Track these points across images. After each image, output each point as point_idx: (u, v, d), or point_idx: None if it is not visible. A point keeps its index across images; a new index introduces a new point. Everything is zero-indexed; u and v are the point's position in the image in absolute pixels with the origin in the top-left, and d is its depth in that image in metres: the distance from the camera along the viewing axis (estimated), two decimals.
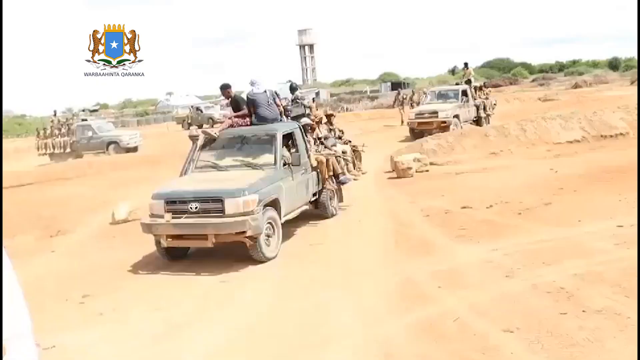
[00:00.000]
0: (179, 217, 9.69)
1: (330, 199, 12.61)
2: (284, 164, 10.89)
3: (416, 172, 17.09)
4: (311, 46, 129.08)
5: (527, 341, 5.94)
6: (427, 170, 17.43)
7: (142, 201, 15.74)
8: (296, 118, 12.92)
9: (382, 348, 6.25)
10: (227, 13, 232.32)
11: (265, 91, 11.90)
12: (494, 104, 29.96)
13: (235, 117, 12.03)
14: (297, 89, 14.87)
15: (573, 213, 10.70)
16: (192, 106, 61.98)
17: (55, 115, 38.03)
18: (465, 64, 32.04)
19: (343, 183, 12.83)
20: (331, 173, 12.34)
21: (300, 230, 11.93)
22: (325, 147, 13.06)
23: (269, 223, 9.92)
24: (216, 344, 6.93)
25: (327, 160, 12.26)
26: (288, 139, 11.58)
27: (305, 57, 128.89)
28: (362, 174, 14.59)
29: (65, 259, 11.68)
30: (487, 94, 29.44)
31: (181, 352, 6.78)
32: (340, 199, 13.36)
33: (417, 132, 26.17)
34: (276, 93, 12.39)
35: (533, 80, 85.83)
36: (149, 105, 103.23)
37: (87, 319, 8.03)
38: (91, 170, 25.71)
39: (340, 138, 14.42)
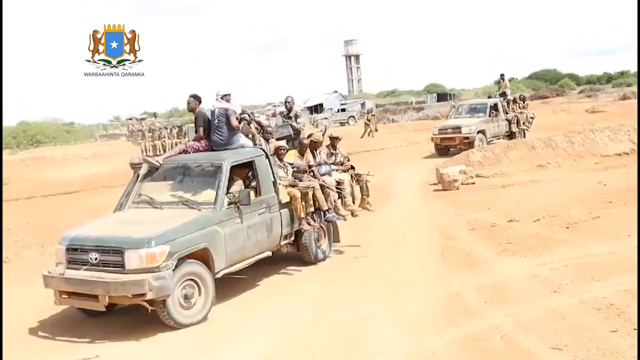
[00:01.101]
0: (78, 269, 8.08)
1: (318, 239, 10.70)
2: (231, 203, 8.96)
3: (462, 184, 16.93)
4: (357, 57, 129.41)
5: (576, 359, 5.83)
6: (473, 183, 17.25)
7: None
8: (281, 140, 11.44)
9: None
10: (273, 22, 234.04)
11: (214, 108, 9.96)
12: (532, 118, 28.61)
13: (193, 140, 10.25)
14: (294, 105, 12.79)
15: (622, 227, 10.49)
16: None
17: (155, 117, 38.82)
18: (502, 76, 30.83)
19: (328, 221, 10.82)
20: (311, 209, 10.23)
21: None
22: (313, 177, 10.67)
23: (190, 280, 8.15)
24: (258, 355, 6.93)
25: (306, 194, 10.13)
26: (247, 169, 9.71)
27: (351, 68, 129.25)
28: (370, 209, 12.18)
29: None
30: (523, 107, 28.56)
31: None
32: (336, 239, 11.31)
33: (441, 148, 25.72)
34: (250, 115, 10.71)
35: (580, 92, 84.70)
36: (170, 116, 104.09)
37: (129, 328, 8.09)
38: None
39: (342, 164, 12.01)
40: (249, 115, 10.55)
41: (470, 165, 18.53)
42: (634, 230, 10.21)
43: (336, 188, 11.02)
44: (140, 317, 8.22)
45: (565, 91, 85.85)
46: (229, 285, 9.33)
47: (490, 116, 26.16)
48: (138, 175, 9.64)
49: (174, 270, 7.88)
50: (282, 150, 10.53)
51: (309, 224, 10.17)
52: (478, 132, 24.96)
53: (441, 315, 7.50)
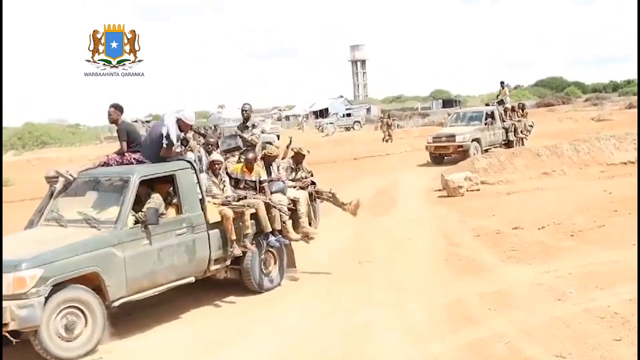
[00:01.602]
0: None
1: (265, 265, 9.59)
2: (138, 222, 8.05)
3: (467, 191, 16.92)
4: (363, 62, 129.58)
5: None
6: (478, 190, 17.24)
7: None
8: (229, 152, 10.69)
9: None
10: (281, 26, 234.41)
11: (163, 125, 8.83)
12: (530, 126, 28.25)
13: (116, 153, 9.27)
14: (251, 113, 11.72)
15: (627, 236, 10.45)
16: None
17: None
18: (502, 83, 30.05)
19: (271, 246, 9.60)
20: (248, 231, 9.13)
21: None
22: (261, 193, 9.67)
23: (73, 308, 7.27)
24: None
25: (242, 213, 9.08)
26: (170, 184, 8.71)
27: (357, 73, 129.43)
28: (309, 238, 10.37)
29: None
30: (522, 115, 28.30)
31: None
32: (290, 264, 10.31)
33: (436, 157, 25.47)
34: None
35: (586, 100, 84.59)
36: (200, 117, 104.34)
37: (136, 330, 8.10)
38: None
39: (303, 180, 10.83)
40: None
41: (476, 172, 18.52)
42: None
43: (290, 207, 10.02)
44: (143, 319, 8.25)
45: (571, 99, 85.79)
46: (229, 288, 9.35)
47: (486, 124, 25.86)
48: (53, 190, 8.79)
49: (49, 296, 7.02)
50: (217, 165, 9.50)
51: (245, 247, 9.08)
52: (473, 141, 24.66)
53: (445, 321, 7.50)
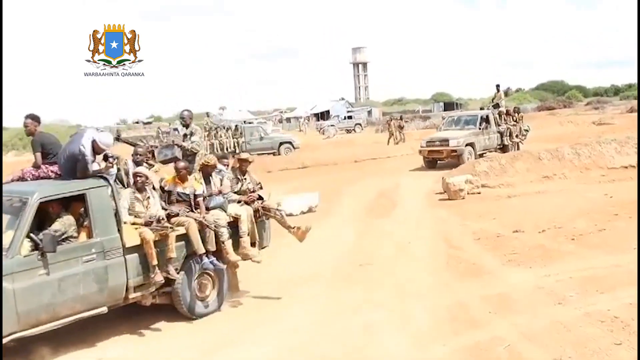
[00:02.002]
0: None
1: (200, 288, 8.67)
2: (36, 249, 7.01)
3: (468, 194, 16.92)
4: (365, 64, 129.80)
5: None
6: (479, 193, 17.24)
7: None
8: (166, 163, 9.91)
9: None
10: (282, 29, 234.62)
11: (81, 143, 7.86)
12: (526, 130, 28.23)
13: (32, 166, 8.52)
14: (190, 121, 10.56)
15: (628, 240, 10.45)
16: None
17: (208, 116, 39.49)
18: (497, 86, 29.71)
19: (205, 269, 8.63)
20: (172, 255, 8.09)
21: None
22: (194, 210, 8.70)
23: None
24: None
25: (166, 235, 8.05)
26: (78, 205, 7.73)
27: (358, 75, 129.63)
28: (253, 260, 9.22)
29: None
30: (517, 119, 28.06)
31: None
32: (233, 288, 9.44)
33: (429, 161, 25.10)
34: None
35: (587, 104, 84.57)
36: (201, 118, 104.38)
37: (134, 334, 8.11)
38: None
39: (249, 192, 9.60)
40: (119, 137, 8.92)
41: (476, 175, 18.52)
42: None
43: (231, 225, 8.93)
44: (144, 321, 8.26)
45: (572, 103, 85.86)
46: (239, 291, 9.36)
47: (480, 128, 25.54)
48: None
49: None
50: (139, 178, 8.36)
51: (168, 274, 8.03)
52: (467, 145, 24.39)
53: (446, 324, 7.51)
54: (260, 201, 9.55)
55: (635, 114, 50.91)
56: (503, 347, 6.57)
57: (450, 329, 7.34)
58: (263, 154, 33.73)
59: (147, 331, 8.15)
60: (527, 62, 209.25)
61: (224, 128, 36.23)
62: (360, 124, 66.80)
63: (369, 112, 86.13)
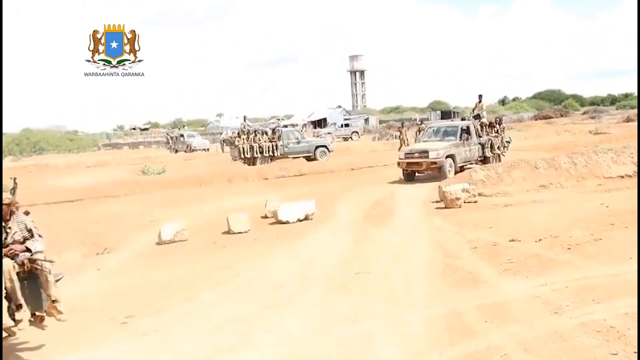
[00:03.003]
0: None
1: None
2: None
3: (464, 202, 16.94)
4: (362, 72, 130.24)
5: None
6: (475, 201, 17.25)
7: (189, 222, 15.93)
8: None
9: None
10: (280, 37, 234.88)
11: None
12: (508, 142, 27.87)
13: None
14: None
15: (624, 250, 10.43)
16: (175, 135, 63.68)
17: (245, 120, 40.20)
18: (480, 97, 29.05)
19: None
20: None
21: None
22: None
23: None
24: None
25: None
26: None
27: (355, 83, 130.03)
28: (58, 318, 7.54)
29: (110, 278, 11.84)
30: (499, 130, 27.74)
31: None
32: None
33: (409, 174, 24.47)
34: None
35: (584, 113, 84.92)
36: (199, 125, 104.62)
37: (129, 340, 8.08)
38: (139, 188, 26.11)
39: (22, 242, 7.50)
40: None
41: (473, 184, 18.54)
42: (635, 253, 10.20)
43: None
44: (145, 323, 8.23)
45: (569, 112, 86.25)
46: (229, 297, 9.34)
47: (461, 140, 25.07)
48: None
49: None
50: None
51: None
52: (447, 157, 23.82)
53: (441, 333, 7.49)
54: (27, 253, 7.39)
55: (632, 124, 51.10)
56: (499, 357, 6.55)
57: (446, 338, 7.31)
58: (299, 157, 34.76)
59: (139, 337, 8.10)
60: (525, 71, 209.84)
61: (262, 132, 36.84)
62: (357, 132, 66.93)
63: (366, 120, 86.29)
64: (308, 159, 34.94)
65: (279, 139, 35.64)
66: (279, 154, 35.37)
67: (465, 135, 25.31)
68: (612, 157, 21.12)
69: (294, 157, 34.69)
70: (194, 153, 54.16)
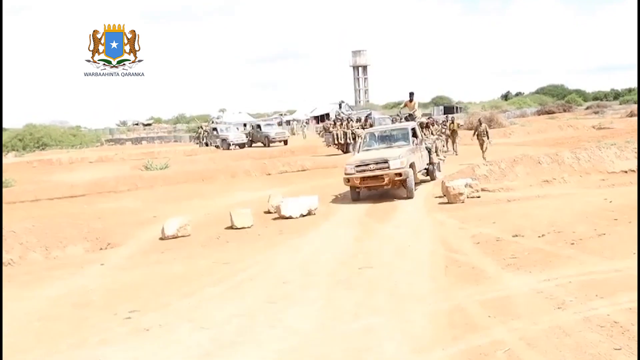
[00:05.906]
0: None
1: None
2: None
3: (467, 197, 16.92)
4: (365, 67, 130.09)
5: None
6: (478, 197, 17.22)
7: (193, 217, 15.93)
8: None
9: None
10: (282, 32, 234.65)
11: None
12: (445, 149, 25.99)
13: None
14: None
15: (627, 245, 10.42)
16: (252, 124, 62.93)
17: (340, 107, 41.31)
18: (411, 95, 25.61)
19: None
20: None
21: None
22: None
23: None
24: None
25: None
26: None
27: (358, 78, 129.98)
28: None
29: (113, 273, 11.85)
30: (439, 132, 25.74)
31: None
32: None
33: (360, 192, 19.12)
34: None
35: (587, 108, 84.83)
36: (201, 121, 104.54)
37: (133, 335, 8.08)
38: (142, 184, 26.15)
39: None
40: None
41: (476, 179, 18.51)
42: None
43: None
44: (149, 318, 8.23)
45: (572, 107, 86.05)
46: (232, 292, 9.34)
47: (415, 144, 20.39)
48: None
49: None
50: None
51: None
52: (410, 166, 18.84)
53: (445, 328, 7.48)
54: None
55: (635, 118, 50.97)
56: (502, 352, 6.54)
57: (449, 333, 7.30)
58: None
59: (143, 333, 8.10)
60: (527, 66, 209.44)
61: (355, 119, 37.70)
62: None
63: (369, 115, 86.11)
64: None
65: (371, 126, 35.73)
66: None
67: (414, 139, 20.66)
68: (616, 152, 21.09)
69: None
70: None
